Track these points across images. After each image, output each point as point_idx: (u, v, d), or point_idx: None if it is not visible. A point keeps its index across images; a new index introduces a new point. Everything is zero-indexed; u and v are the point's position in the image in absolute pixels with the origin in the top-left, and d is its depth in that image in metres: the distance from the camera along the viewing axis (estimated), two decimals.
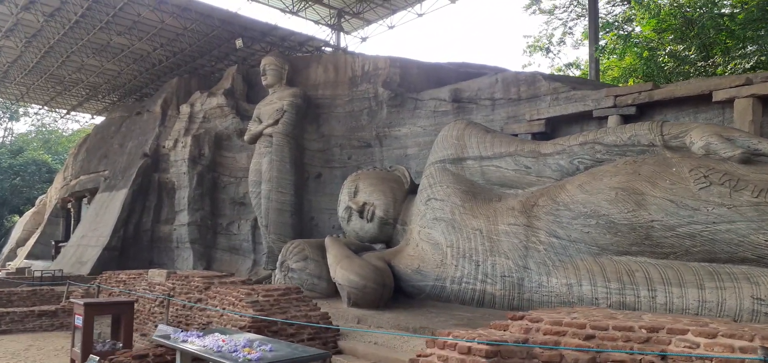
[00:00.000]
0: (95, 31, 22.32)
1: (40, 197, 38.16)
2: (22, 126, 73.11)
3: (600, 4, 20.00)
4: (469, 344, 4.02)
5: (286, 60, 18.26)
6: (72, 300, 7.62)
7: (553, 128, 12.14)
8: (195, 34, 22.69)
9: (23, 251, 31.39)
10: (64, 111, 39.56)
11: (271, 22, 22.97)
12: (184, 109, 20.96)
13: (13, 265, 28.33)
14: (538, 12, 23.81)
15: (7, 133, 56.28)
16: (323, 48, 24.54)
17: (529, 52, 24.73)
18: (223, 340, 5.19)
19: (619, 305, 7.93)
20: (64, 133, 58.15)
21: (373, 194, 12.88)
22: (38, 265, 24.38)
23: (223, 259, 19.68)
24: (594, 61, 16.60)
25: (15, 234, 36.47)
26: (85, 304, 7.18)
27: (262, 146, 17.34)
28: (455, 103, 14.35)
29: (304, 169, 17.37)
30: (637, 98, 10.51)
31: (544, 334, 4.15)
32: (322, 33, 25.41)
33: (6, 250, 35.39)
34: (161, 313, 9.32)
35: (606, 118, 11.08)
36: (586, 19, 24.97)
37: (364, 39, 25.05)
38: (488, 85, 13.78)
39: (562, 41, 24.72)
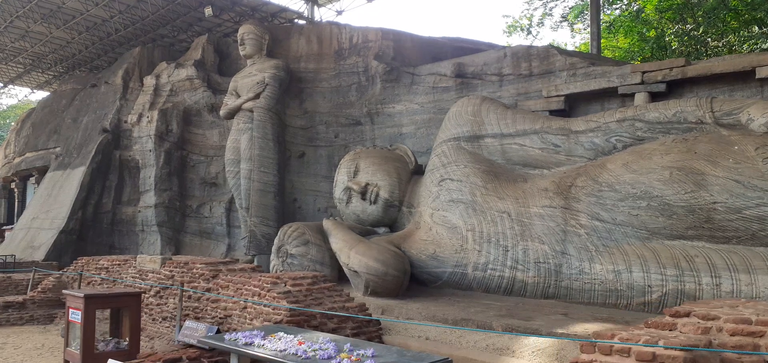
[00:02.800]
0: None
1: None
2: None
3: None
4: (652, 350, 3.22)
5: (266, 29, 16.97)
6: (66, 292, 6.40)
7: (570, 106, 11.52)
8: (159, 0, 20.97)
9: None
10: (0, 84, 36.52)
11: None
12: (149, 81, 19.33)
13: None
14: None
15: None
16: (296, 20, 23.23)
17: (509, 31, 24.23)
18: (301, 342, 4.22)
19: (678, 293, 7.36)
20: None
21: (376, 174, 11.98)
22: None
23: (193, 243, 18.31)
24: (596, 38, 16.16)
25: None
26: (86, 297, 6.01)
27: (240, 122, 16.06)
28: (458, 79, 13.55)
29: (286, 148, 16.22)
30: (668, 75, 9.99)
31: (732, 335, 3.41)
32: (295, 4, 24.05)
33: None
34: (159, 305, 8.15)
35: (631, 95, 10.53)
36: (566, 0, 24.77)
37: (339, 12, 23.85)
38: (495, 60, 13.05)
39: (541, 23, 24.31)
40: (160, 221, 17.93)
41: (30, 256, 18.03)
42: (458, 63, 13.56)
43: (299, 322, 6.05)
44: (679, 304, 4.23)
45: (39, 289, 10.27)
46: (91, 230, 18.89)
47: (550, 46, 12.51)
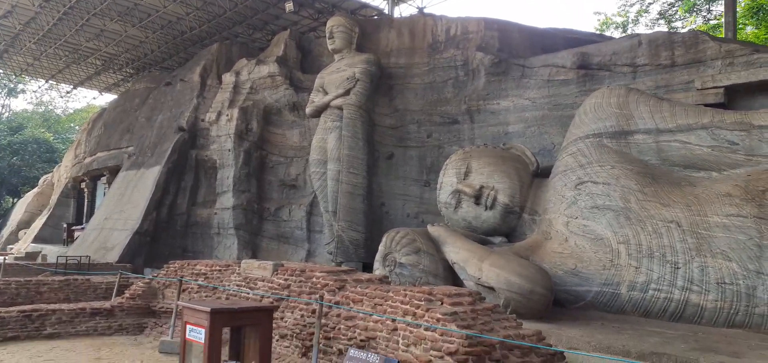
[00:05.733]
0: None
1: (45, 177, 35.53)
2: (19, 103, 70.05)
3: None
4: None
5: (356, 22, 15.84)
6: (184, 304, 5.24)
7: (729, 100, 9.84)
8: None
9: (28, 234, 28.81)
10: (69, 87, 36.89)
11: None
12: (228, 78, 18.49)
13: (19, 249, 25.78)
14: None
15: (4, 109, 53.25)
16: (375, 17, 22.11)
17: (601, 29, 22.44)
18: None
19: None
20: (61, 114, 55.23)
21: (493, 175, 10.56)
22: (51, 250, 21.88)
23: (270, 248, 17.26)
24: (731, 29, 14.34)
25: (15, 216, 33.77)
26: (213, 313, 4.81)
27: (328, 120, 14.94)
28: (581, 70, 12.02)
29: (375, 148, 14.97)
30: None
31: None
32: (375, 1, 22.95)
33: (6, 232, 32.71)
34: (274, 320, 6.94)
35: None
36: None
37: (420, 9, 22.62)
38: (628, 48, 11.46)
39: (636, 20, 22.43)
40: (237, 224, 16.98)
41: (103, 258, 17.37)
42: (582, 53, 12.03)
43: (479, 354, 4.69)
44: None
45: (127, 296, 9.27)
46: (164, 232, 18.12)
47: (699, 31, 10.86)
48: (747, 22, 16.30)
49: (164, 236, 18.04)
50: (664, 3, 21.74)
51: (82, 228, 22.38)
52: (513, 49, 13.98)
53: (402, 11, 22.79)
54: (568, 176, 9.52)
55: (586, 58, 11.95)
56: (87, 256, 16.28)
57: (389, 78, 15.48)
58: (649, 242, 7.98)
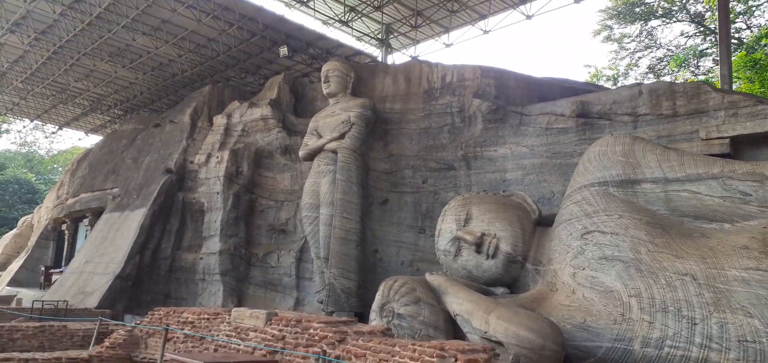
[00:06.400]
0: (117, 29, 19.59)
1: (24, 218, 34.54)
2: (2, 143, 69.03)
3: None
4: None
5: (352, 67, 15.69)
6: (171, 356, 4.75)
7: (734, 151, 9.67)
8: (232, 39, 20.10)
9: (3, 277, 27.75)
10: (55, 128, 36.32)
11: (317, 31, 20.53)
12: (220, 120, 18.17)
13: None
14: (607, 40, 21.74)
15: None
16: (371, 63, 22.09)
17: (592, 82, 22.54)
18: None
19: None
20: (45, 155, 54.44)
21: (494, 223, 10.21)
22: (27, 294, 20.97)
23: (257, 295, 16.63)
24: (727, 82, 14.39)
25: None
26: None
27: (321, 164, 14.60)
28: (580, 119, 11.85)
29: (369, 193, 14.61)
30: None
31: None
32: (369, 49, 23.01)
33: None
34: None
35: None
36: (654, 51, 23.14)
37: (413, 58, 22.67)
38: (628, 97, 11.32)
39: (626, 74, 22.62)
40: (223, 270, 16.40)
41: (81, 303, 16.64)
42: (581, 101, 11.88)
43: None
44: None
45: (107, 344, 8.66)
46: (147, 277, 17.46)
47: (701, 82, 10.77)
48: (739, 76, 16.43)
49: (147, 281, 17.38)
50: (653, 58, 22.02)
51: (61, 271, 21.57)
52: (509, 96, 13.84)
53: (395, 60, 22.83)
54: (573, 225, 9.19)
55: (585, 107, 11.80)
56: (64, 300, 15.58)
57: (384, 123, 15.25)
58: (663, 296, 7.62)
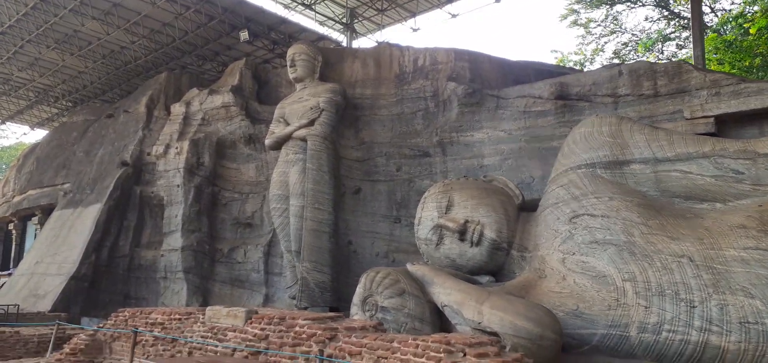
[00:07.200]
0: (64, 13, 18.39)
1: None
2: None
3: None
4: None
5: (319, 51, 15.04)
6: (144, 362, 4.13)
7: (718, 131, 9.55)
8: (188, 23, 19.14)
9: None
10: None
11: (279, 14, 19.77)
12: (178, 108, 17.26)
13: None
14: (573, 25, 21.69)
15: None
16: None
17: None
18: None
19: None
20: None
21: (477, 209, 9.83)
22: None
23: (223, 293, 15.89)
24: (700, 62, 14.39)
25: None
26: None
27: (290, 152, 13.96)
28: (559, 101, 11.58)
29: (341, 183, 14.06)
30: None
31: None
32: (333, 34, 22.34)
33: None
34: None
35: None
36: (619, 36, 23.27)
37: (379, 43, 22.13)
38: (608, 78, 11.11)
39: (592, 59, 22.68)
40: (186, 267, 15.59)
41: (33, 306, 15.59)
42: (560, 83, 11.61)
43: None
44: None
45: (67, 351, 7.89)
46: (104, 277, 16.47)
47: (682, 61, 10.64)
48: (709, 57, 16.60)
49: (104, 281, 16.39)
50: (618, 42, 22.15)
51: (9, 274, 20.28)
52: (484, 80, 13.49)
53: (361, 45, 22.28)
54: (560, 209, 8.89)
55: (564, 89, 11.53)
56: (15, 304, 14.54)
57: (355, 109, 14.70)
58: (659, 279, 7.38)
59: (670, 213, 7.96)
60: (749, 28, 16.07)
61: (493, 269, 9.80)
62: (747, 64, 15.04)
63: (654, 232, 7.72)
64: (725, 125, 9.62)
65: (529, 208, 10.21)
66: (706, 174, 8.00)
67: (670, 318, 7.22)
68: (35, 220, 21.87)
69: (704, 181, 8.02)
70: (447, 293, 8.32)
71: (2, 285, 19.38)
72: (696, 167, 8.08)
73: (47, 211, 20.49)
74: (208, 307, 7.23)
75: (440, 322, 8.66)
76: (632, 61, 11.98)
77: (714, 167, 7.95)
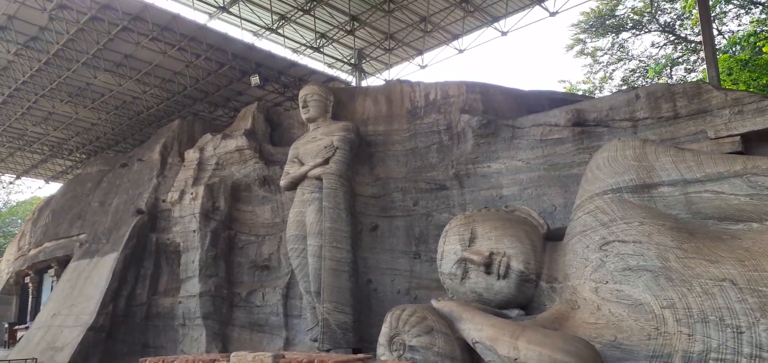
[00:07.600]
0: (76, 67, 18.59)
1: None
2: None
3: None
4: None
5: (330, 90, 15.06)
6: None
7: (744, 148, 9.35)
8: (199, 70, 19.30)
9: None
10: (12, 177, 34.61)
11: (288, 58, 19.90)
12: (192, 154, 17.27)
13: None
14: (580, 54, 21.69)
15: None
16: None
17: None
18: None
19: None
20: (2, 208, 51.81)
21: (502, 240, 9.62)
22: None
23: (242, 338, 15.64)
24: (715, 83, 14.24)
25: None
26: None
27: (306, 192, 13.85)
28: (576, 128, 11.43)
29: (358, 220, 13.90)
30: None
31: None
32: (341, 75, 22.45)
33: None
34: None
35: None
36: (626, 63, 23.22)
37: (388, 82, 22.24)
38: (625, 102, 10.96)
39: (601, 87, 22.60)
40: (205, 313, 15.40)
41: (51, 360, 15.41)
42: (576, 110, 11.48)
43: None
44: None
45: None
46: (122, 327, 16.27)
47: (700, 82, 10.51)
48: (722, 77, 16.52)
49: (122, 331, 16.18)
50: (626, 69, 22.08)
51: (27, 327, 20.17)
52: (497, 111, 13.40)
53: (369, 84, 22.35)
54: (589, 237, 8.66)
55: (581, 115, 11.40)
56: (33, 358, 14.37)
57: (368, 146, 14.63)
58: (701, 305, 7.10)
59: (705, 235, 7.72)
60: (762, 46, 16.04)
61: (522, 302, 9.54)
62: (764, 82, 14.96)
63: (690, 255, 7.46)
64: (750, 143, 9.43)
65: (554, 237, 9.99)
66: (740, 193, 7.77)
67: (716, 346, 6.91)
68: (51, 272, 21.82)
69: (738, 200, 7.79)
70: (478, 329, 8.06)
71: (20, 338, 19.25)
72: (728, 187, 7.86)
73: (63, 262, 20.43)
74: (233, 353, 7.04)
75: (471, 359, 8.40)
76: (651, 84, 11.83)
77: (748, 186, 7.72)
